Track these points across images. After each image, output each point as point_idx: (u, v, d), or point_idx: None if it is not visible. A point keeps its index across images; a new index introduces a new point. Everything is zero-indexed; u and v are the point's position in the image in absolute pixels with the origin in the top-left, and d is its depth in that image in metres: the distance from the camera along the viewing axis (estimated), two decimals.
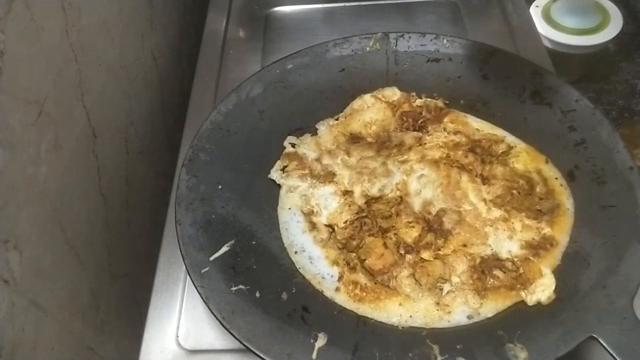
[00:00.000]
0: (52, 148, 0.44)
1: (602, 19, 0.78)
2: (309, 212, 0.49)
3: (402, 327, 0.41)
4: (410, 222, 0.46)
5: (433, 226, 0.46)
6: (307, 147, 0.53)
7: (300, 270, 0.45)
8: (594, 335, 0.37)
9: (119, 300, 0.57)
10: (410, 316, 0.42)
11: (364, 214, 0.48)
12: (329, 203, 0.49)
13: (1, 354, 0.37)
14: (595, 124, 0.49)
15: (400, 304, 0.43)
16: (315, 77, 0.58)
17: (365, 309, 0.43)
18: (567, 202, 0.47)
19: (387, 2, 0.76)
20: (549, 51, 0.70)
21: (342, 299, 0.43)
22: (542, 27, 0.77)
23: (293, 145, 0.54)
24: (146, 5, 0.67)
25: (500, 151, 0.51)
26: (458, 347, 0.39)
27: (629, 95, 0.73)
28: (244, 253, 0.45)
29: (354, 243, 0.46)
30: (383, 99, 0.56)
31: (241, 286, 0.42)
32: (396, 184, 0.49)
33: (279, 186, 0.51)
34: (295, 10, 0.77)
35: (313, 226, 0.48)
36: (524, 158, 0.50)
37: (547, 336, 0.38)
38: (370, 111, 0.55)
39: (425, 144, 0.52)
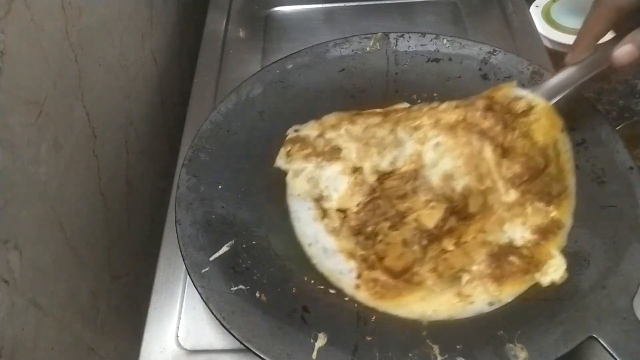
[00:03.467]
0: (52, 148, 0.44)
1: None
2: (319, 198, 0.45)
3: (427, 322, 0.40)
4: (430, 201, 0.42)
5: (456, 207, 0.42)
6: (309, 129, 0.50)
7: (316, 265, 0.42)
8: (594, 335, 0.37)
9: (119, 300, 0.57)
10: (434, 310, 0.40)
11: (376, 195, 0.44)
12: (338, 184, 0.45)
13: (1, 354, 0.37)
14: (595, 124, 0.49)
15: (422, 299, 0.41)
16: (315, 77, 0.58)
17: (388, 306, 0.41)
18: (572, 182, 0.45)
19: (387, 2, 0.76)
20: (549, 51, 0.70)
21: (363, 297, 0.41)
22: (542, 27, 0.77)
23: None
24: (146, 5, 0.67)
25: (520, 110, 0.46)
26: (458, 347, 0.39)
27: (629, 95, 0.73)
28: (244, 253, 0.45)
29: (369, 229, 0.43)
30: None
31: (241, 286, 0.42)
32: (409, 155, 0.45)
33: (280, 186, 0.51)
34: (295, 10, 0.77)
35: (324, 213, 0.44)
36: (544, 125, 0.46)
37: (547, 336, 0.38)
38: None
39: (437, 106, 0.48)
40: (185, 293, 0.49)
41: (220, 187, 0.49)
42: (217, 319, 0.40)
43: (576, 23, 0.78)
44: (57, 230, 0.45)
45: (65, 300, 0.46)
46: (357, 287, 0.42)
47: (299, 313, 0.42)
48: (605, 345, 0.37)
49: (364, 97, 0.57)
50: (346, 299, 0.43)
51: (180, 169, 0.49)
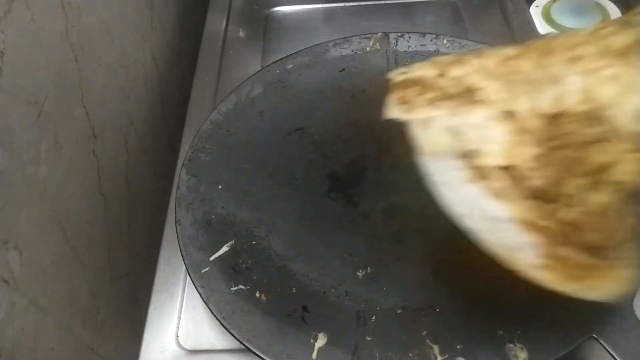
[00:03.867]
0: (52, 148, 0.44)
1: (602, 19, 0.78)
2: (467, 154, 0.34)
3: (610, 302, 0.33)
4: (632, 151, 0.32)
5: None
6: (420, 69, 0.40)
7: (482, 242, 0.33)
8: (594, 335, 0.37)
9: (119, 300, 0.57)
10: (622, 289, 0.33)
11: (553, 144, 0.33)
12: (490, 133, 0.34)
13: (1, 354, 0.37)
14: None
15: (616, 278, 0.33)
16: (315, 77, 0.58)
17: (579, 289, 0.33)
18: None
19: (387, 2, 0.76)
20: None
21: (549, 278, 0.32)
22: (542, 27, 0.77)
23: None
24: (146, 6, 0.67)
25: None
26: (458, 347, 0.39)
27: None
28: (244, 253, 0.45)
29: (554, 190, 0.32)
30: None
31: (241, 286, 0.42)
32: (577, 91, 0.34)
33: (280, 184, 0.51)
34: (295, 10, 0.77)
35: (481, 173, 0.34)
36: None
37: (547, 336, 0.38)
38: None
39: (600, 29, 0.36)
40: (185, 293, 0.49)
41: (220, 187, 0.49)
42: (217, 319, 0.40)
43: (576, 23, 0.78)
44: (57, 230, 0.45)
45: (65, 300, 0.46)
46: (543, 267, 0.32)
47: (299, 313, 0.42)
48: (605, 345, 0.37)
49: (364, 97, 0.57)
50: (347, 298, 0.43)
51: (180, 169, 0.49)
